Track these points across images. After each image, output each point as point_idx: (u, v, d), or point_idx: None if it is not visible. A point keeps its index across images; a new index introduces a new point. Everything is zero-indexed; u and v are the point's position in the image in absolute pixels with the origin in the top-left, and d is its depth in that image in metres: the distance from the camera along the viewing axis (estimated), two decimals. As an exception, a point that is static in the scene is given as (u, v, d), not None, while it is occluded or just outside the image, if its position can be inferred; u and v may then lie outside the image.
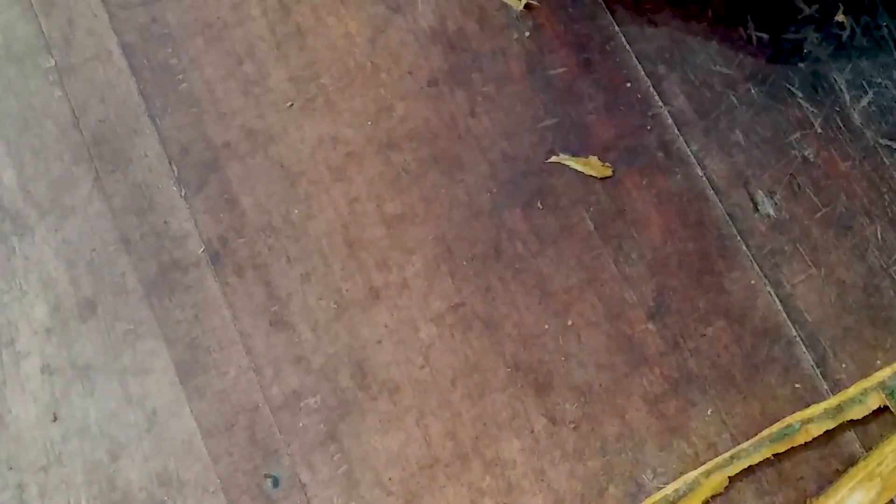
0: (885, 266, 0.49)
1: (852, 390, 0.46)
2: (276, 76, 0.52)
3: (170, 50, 0.52)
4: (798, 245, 0.50)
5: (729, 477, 0.46)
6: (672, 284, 0.49)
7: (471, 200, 0.50)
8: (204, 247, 0.49)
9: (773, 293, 0.49)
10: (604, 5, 0.53)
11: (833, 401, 0.47)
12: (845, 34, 0.53)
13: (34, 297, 0.48)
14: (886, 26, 0.53)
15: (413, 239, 0.50)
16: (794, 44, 0.53)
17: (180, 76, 0.52)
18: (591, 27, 0.53)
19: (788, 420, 0.47)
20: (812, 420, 0.46)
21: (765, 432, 0.46)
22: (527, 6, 0.53)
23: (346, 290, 0.49)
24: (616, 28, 0.53)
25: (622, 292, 0.49)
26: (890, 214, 0.50)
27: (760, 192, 0.51)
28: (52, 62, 0.52)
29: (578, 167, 0.51)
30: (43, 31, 0.53)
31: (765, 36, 0.53)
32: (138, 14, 0.53)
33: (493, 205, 0.50)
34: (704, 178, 0.51)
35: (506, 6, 0.54)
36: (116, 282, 0.49)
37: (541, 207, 0.50)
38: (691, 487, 0.46)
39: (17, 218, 0.50)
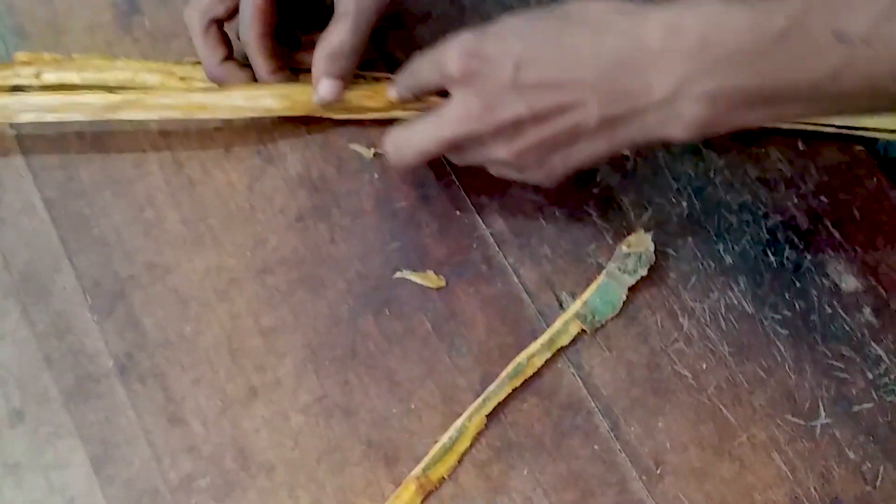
0: (663, 348, 0.62)
1: (557, 325, 0.61)
2: (172, 219, 0.64)
3: (84, 202, 0.64)
4: (594, 334, 0.62)
5: (486, 415, 0.59)
6: (495, 371, 0.61)
7: (331, 312, 0.62)
8: (113, 361, 0.60)
9: (575, 374, 0.61)
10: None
11: (545, 337, 0.61)
12: (630, 164, 0.67)
13: (-29, 410, 0.59)
14: (662, 156, 0.67)
15: (284, 345, 0.61)
16: (589, 174, 0.66)
17: (92, 223, 0.64)
18: (427, 169, 0.66)
19: (517, 360, 0.60)
20: (535, 354, 0.61)
21: (503, 373, 0.60)
22: (375, 154, 0.67)
23: (230, 390, 0.60)
24: (448, 168, 0.66)
25: (455, 380, 0.61)
26: (667, 306, 0.63)
27: (564, 293, 0.63)
28: (-14, 217, 0.64)
29: (418, 280, 0.63)
30: (-22, 193, 0.64)
31: (566, 169, 0.67)
32: (57, 173, 0.65)
33: (349, 314, 0.62)
34: (519, 284, 0.63)
35: (359, 155, 0.67)
36: (40, 393, 0.59)
37: (388, 314, 0.62)
38: (461, 432, 0.59)
39: (-43, 345, 0.61)
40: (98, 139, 0.66)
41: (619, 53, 0.52)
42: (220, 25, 0.64)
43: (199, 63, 0.65)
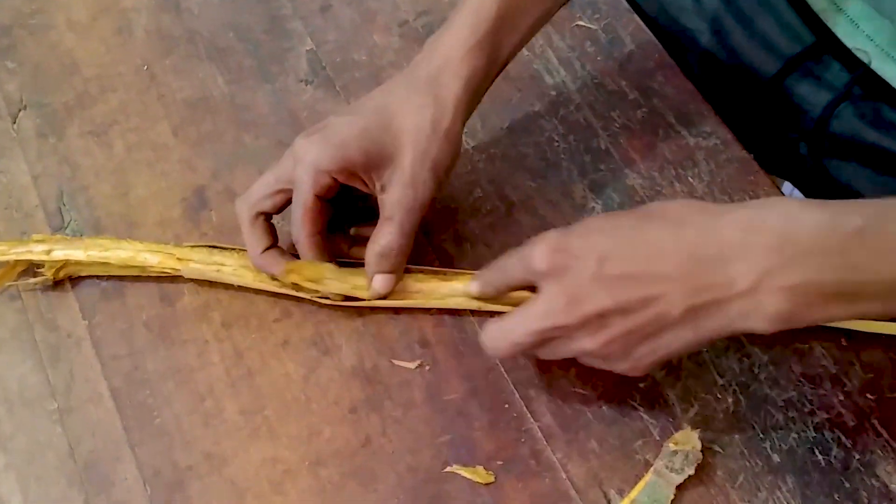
0: (713, 547, 0.62)
1: None
2: (230, 409, 0.67)
3: (147, 392, 0.67)
4: (643, 533, 0.62)
5: None
6: (543, 569, 0.61)
7: (382, 505, 0.64)
8: (168, 552, 0.62)
9: (623, 575, 0.61)
10: (486, 343, 0.69)
11: None
12: (675, 360, 0.68)
13: None
14: (707, 352, 0.69)
15: (335, 539, 0.62)
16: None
17: (155, 412, 0.66)
18: (476, 361, 0.68)
19: None
20: None
21: None
22: (419, 366, 0.69)
23: (281, 586, 0.61)
24: (496, 361, 0.68)
25: (503, 578, 0.61)
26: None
27: (612, 490, 0.64)
28: (55, 405, 0.67)
29: (467, 475, 0.64)
30: (49, 380, 0.68)
31: (612, 363, 0.68)
32: (124, 363, 0.68)
33: (399, 509, 0.64)
34: (567, 481, 0.64)
35: (412, 347, 0.69)
36: (97, 585, 0.61)
37: (437, 509, 0.64)
38: None
39: (21, 533, 0.63)
40: (164, 330, 0.69)
41: (699, 247, 0.55)
42: (267, 218, 0.68)
43: (196, 246, 0.71)
